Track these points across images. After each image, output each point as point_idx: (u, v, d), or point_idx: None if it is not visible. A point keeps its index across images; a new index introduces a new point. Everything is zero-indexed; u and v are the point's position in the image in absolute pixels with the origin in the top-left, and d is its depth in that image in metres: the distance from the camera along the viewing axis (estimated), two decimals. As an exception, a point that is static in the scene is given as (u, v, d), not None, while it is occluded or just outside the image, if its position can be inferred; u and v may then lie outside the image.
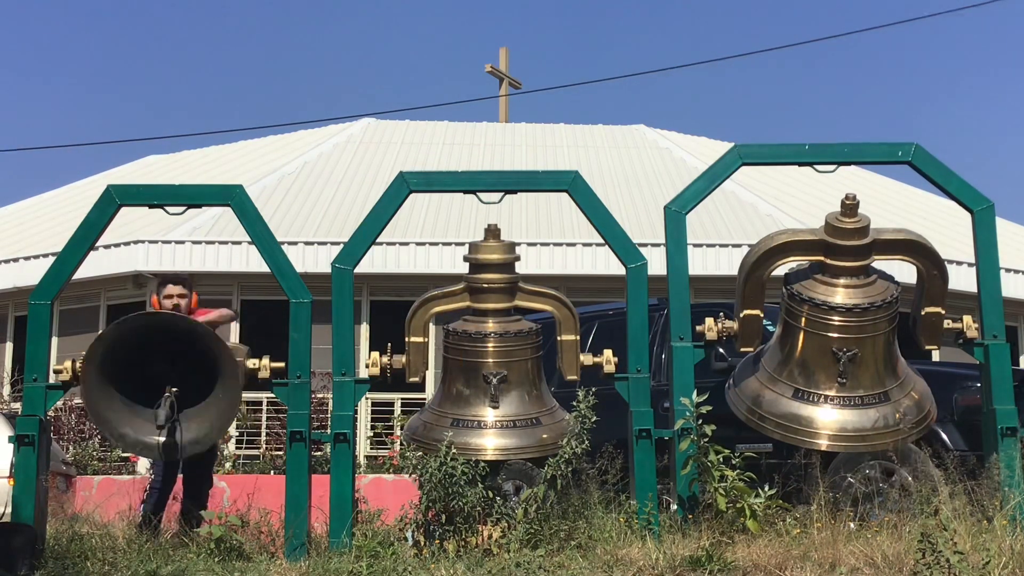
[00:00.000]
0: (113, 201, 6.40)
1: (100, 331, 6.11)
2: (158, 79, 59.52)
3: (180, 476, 7.34)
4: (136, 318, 6.19)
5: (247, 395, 10.79)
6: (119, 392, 6.17)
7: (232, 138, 36.42)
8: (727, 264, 14.70)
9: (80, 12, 60.15)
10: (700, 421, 5.94)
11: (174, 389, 6.12)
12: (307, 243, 15.61)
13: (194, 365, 6.19)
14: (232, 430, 8.27)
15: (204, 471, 7.30)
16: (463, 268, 6.52)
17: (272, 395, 6.78)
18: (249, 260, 14.79)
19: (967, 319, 6.39)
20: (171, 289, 7.16)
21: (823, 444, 6.20)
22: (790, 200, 18.08)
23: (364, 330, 15.93)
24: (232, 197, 6.43)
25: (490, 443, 6.24)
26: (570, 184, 6.47)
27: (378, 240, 6.56)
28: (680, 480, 6.05)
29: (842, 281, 6.17)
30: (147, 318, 6.42)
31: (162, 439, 6.12)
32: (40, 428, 6.08)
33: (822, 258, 6.20)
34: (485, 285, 6.34)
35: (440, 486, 5.87)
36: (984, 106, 60.87)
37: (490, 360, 6.32)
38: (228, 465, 13.12)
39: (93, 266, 14.44)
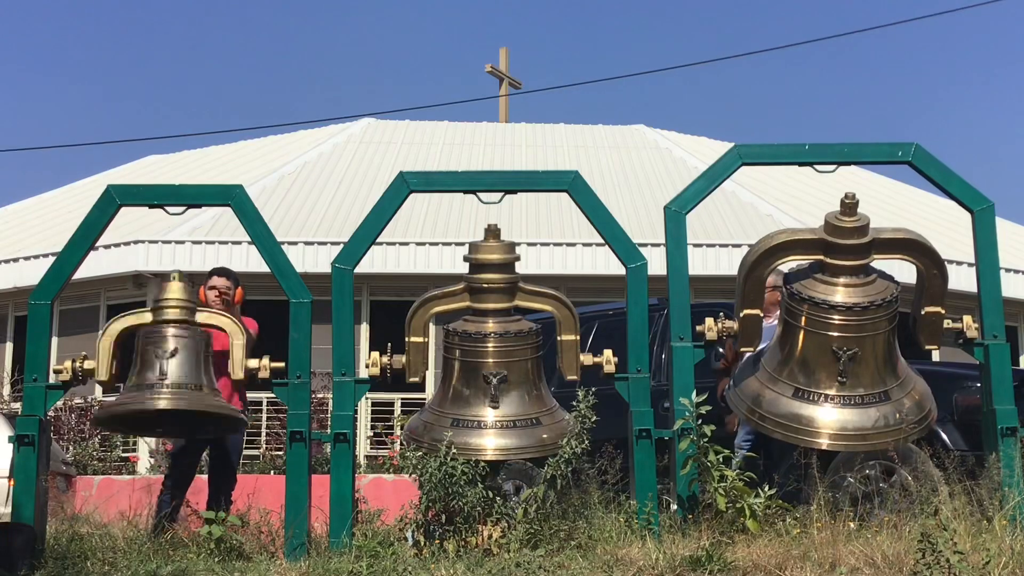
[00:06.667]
0: (113, 201, 6.39)
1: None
2: (158, 79, 59.55)
3: (198, 476, 7.37)
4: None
5: (247, 395, 10.76)
6: None
7: (232, 138, 36.48)
8: (727, 264, 14.71)
9: (80, 11, 60.14)
10: (700, 421, 5.94)
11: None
12: (307, 243, 15.62)
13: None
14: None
15: (226, 471, 7.28)
16: (463, 268, 6.51)
17: (272, 395, 6.78)
18: (249, 260, 14.78)
19: (967, 319, 6.38)
20: (216, 281, 7.25)
21: (824, 443, 6.19)
22: (790, 200, 18.09)
23: (364, 330, 15.93)
24: (232, 197, 6.43)
25: (490, 443, 6.24)
26: (570, 184, 6.46)
27: (378, 240, 6.56)
28: (680, 480, 6.04)
29: (842, 280, 6.16)
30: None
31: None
32: (40, 428, 6.07)
33: (822, 257, 6.20)
34: (485, 285, 6.34)
35: (440, 486, 5.87)
36: (984, 106, 60.90)
37: (490, 360, 6.31)
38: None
39: (93, 266, 14.45)
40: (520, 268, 6.52)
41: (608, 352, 6.38)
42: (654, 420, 6.17)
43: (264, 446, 14.77)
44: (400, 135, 21.90)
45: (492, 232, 6.41)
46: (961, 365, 7.52)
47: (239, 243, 15.08)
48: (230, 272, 7.40)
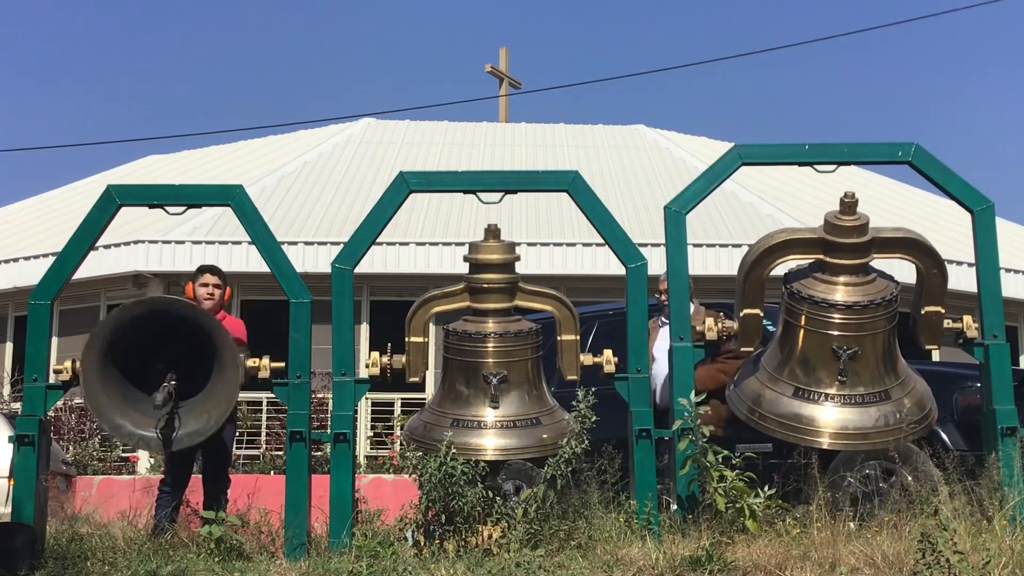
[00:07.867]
0: (113, 201, 6.39)
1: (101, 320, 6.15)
2: (158, 79, 59.57)
3: (193, 476, 7.36)
4: (136, 305, 6.23)
5: (247, 395, 10.75)
6: (118, 384, 6.16)
7: (232, 138, 36.50)
8: (727, 264, 14.70)
9: (80, 12, 60.15)
10: (699, 421, 5.94)
11: (174, 380, 6.11)
12: (307, 243, 15.62)
13: (194, 355, 6.20)
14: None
15: (220, 470, 7.28)
16: (463, 268, 6.51)
17: (272, 395, 6.77)
18: (249, 260, 14.79)
19: (967, 319, 6.38)
20: (207, 278, 7.31)
21: (825, 443, 6.19)
22: (790, 200, 18.08)
23: (364, 330, 15.93)
24: (232, 197, 6.43)
25: (490, 443, 6.24)
26: (570, 184, 6.46)
27: (378, 240, 6.56)
28: (680, 480, 6.04)
29: (842, 279, 6.17)
30: (148, 304, 6.46)
31: (160, 426, 6.09)
32: (40, 428, 6.07)
33: (822, 256, 6.20)
34: (485, 285, 6.34)
35: (440, 486, 5.87)
36: (985, 106, 60.93)
37: (490, 360, 6.31)
38: (228, 465, 13.12)
39: (93, 266, 14.45)
40: (520, 268, 6.52)
41: (608, 352, 6.38)
42: (654, 420, 6.17)
43: (264, 446, 14.77)
44: (400, 135, 21.90)
45: (492, 232, 6.41)
46: (961, 365, 7.52)
47: (239, 243, 15.08)
48: (220, 270, 7.48)
